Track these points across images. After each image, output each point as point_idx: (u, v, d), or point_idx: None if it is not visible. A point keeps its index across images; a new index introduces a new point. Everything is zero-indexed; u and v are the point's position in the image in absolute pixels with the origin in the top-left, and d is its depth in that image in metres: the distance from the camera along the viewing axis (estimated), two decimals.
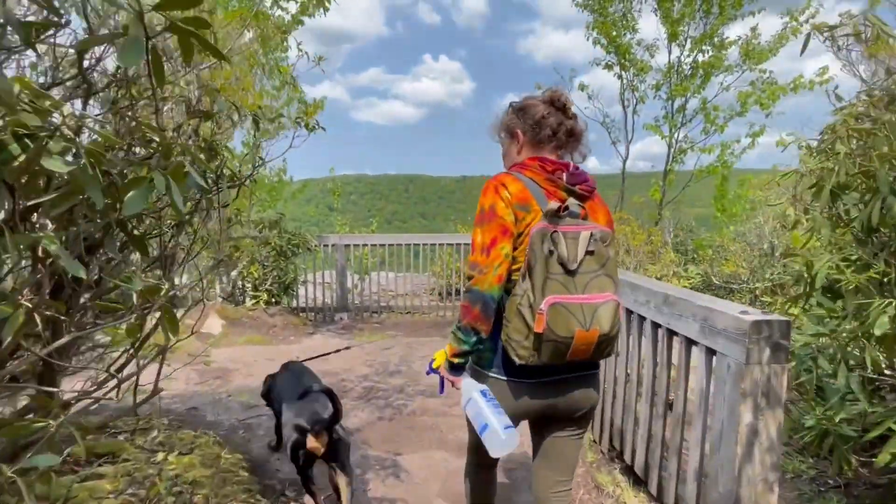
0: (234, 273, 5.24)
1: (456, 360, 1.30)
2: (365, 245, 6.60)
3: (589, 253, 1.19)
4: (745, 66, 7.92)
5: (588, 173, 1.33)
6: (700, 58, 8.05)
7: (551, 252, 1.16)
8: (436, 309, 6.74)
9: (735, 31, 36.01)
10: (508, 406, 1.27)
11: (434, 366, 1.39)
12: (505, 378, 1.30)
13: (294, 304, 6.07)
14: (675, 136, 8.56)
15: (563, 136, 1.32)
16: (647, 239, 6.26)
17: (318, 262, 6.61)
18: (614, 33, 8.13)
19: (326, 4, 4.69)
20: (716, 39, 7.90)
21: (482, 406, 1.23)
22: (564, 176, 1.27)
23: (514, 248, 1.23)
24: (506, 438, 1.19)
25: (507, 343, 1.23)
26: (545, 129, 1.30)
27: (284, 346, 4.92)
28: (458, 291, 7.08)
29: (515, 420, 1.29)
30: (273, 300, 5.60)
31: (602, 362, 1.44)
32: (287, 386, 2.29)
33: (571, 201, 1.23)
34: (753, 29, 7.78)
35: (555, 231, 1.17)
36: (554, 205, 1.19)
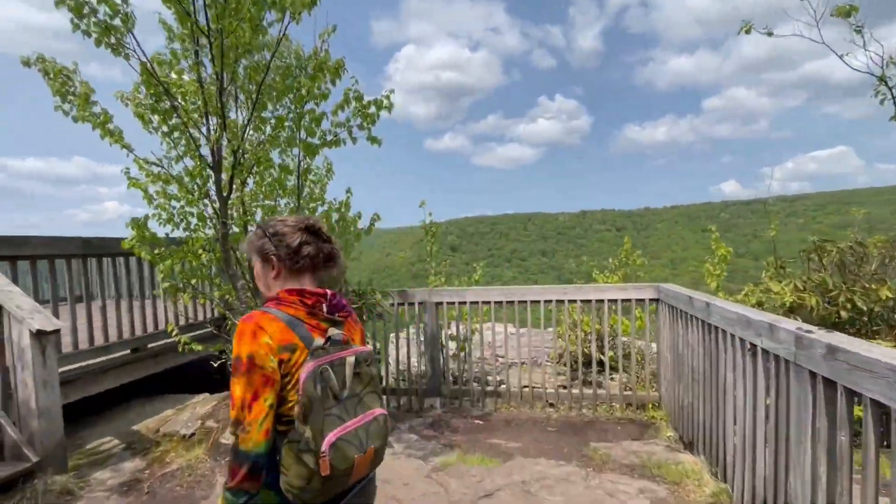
0: None
1: None
2: (463, 303, 4.69)
3: (355, 375, 1.20)
4: None
5: (343, 298, 1.32)
6: None
7: (324, 389, 1.12)
8: (567, 398, 4.46)
9: None
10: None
11: None
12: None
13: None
14: None
15: (322, 263, 1.28)
16: None
17: (400, 325, 4.88)
18: None
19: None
20: None
21: None
22: (324, 307, 1.22)
23: (282, 389, 1.13)
24: None
25: (289, 492, 1.11)
26: (303, 258, 1.24)
27: None
28: (598, 363, 4.75)
29: None
30: None
31: None
32: None
33: (333, 330, 1.20)
34: None
35: (324, 368, 1.13)
36: (319, 342, 1.16)
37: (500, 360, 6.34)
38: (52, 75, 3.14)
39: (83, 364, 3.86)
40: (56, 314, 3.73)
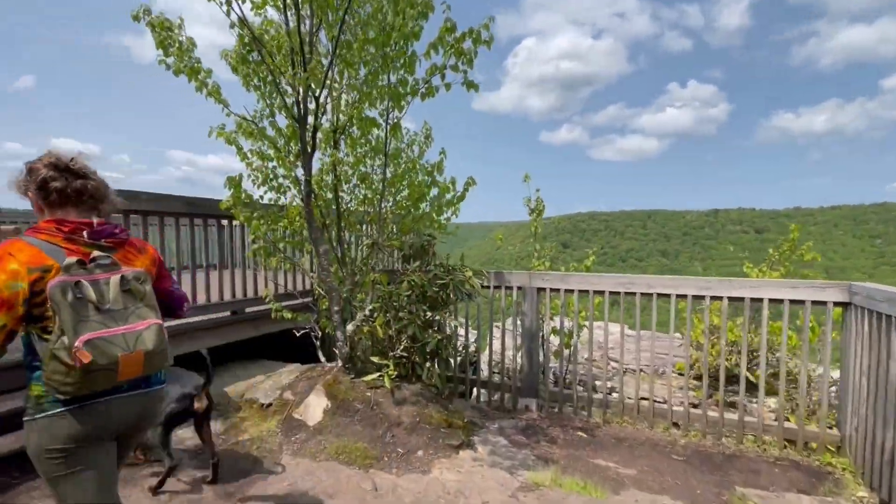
0: (350, 326, 3.41)
1: None
2: (570, 291, 3.97)
3: (126, 291, 1.38)
4: None
5: (118, 227, 1.48)
6: None
7: (79, 298, 1.30)
8: (701, 421, 3.52)
9: None
10: (72, 433, 1.36)
11: None
12: (56, 412, 1.35)
13: (439, 381, 3.82)
14: None
15: (75, 196, 1.41)
16: None
17: (494, 313, 4.32)
18: None
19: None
20: None
21: None
22: (85, 233, 1.39)
23: (42, 304, 1.32)
24: None
25: (50, 383, 1.31)
26: (51, 192, 1.39)
27: (396, 480, 2.70)
28: (733, 379, 3.69)
29: (86, 441, 1.39)
30: (409, 373, 3.52)
31: None
32: None
33: (97, 253, 1.38)
34: None
35: (78, 281, 1.30)
36: (71, 260, 1.32)
37: (613, 364, 5.46)
38: (157, 28, 3.14)
39: (186, 321, 3.97)
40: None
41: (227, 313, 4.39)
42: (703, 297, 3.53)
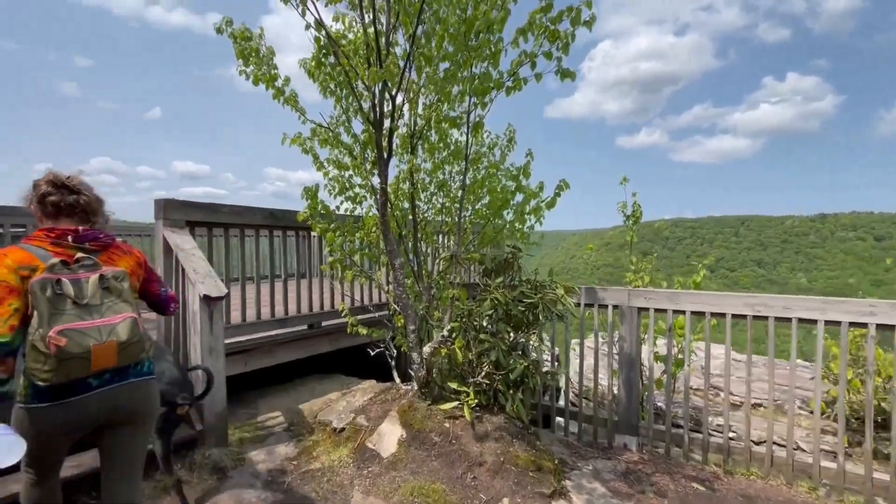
0: (426, 348, 3.10)
1: None
2: (680, 312, 3.38)
3: (105, 289, 1.54)
4: None
5: (102, 232, 1.67)
6: None
7: (59, 294, 1.45)
8: (858, 482, 2.77)
9: None
10: (43, 426, 1.49)
11: None
12: (35, 405, 1.48)
13: (525, 414, 3.39)
14: None
15: (67, 210, 1.61)
16: None
17: (584, 334, 3.82)
18: None
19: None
20: None
21: None
22: (70, 238, 1.57)
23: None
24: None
25: (30, 373, 1.44)
26: (48, 205, 1.60)
27: None
28: (882, 423, 2.87)
29: (56, 439, 1.55)
30: (490, 402, 3.14)
31: None
32: None
33: (81, 255, 1.56)
34: None
35: (58, 279, 1.47)
36: (55, 260, 1.50)
37: (716, 392, 4.69)
38: (238, 39, 3.10)
39: (264, 334, 3.92)
40: (243, 284, 3.85)
41: (304, 326, 4.31)
42: (864, 325, 2.80)
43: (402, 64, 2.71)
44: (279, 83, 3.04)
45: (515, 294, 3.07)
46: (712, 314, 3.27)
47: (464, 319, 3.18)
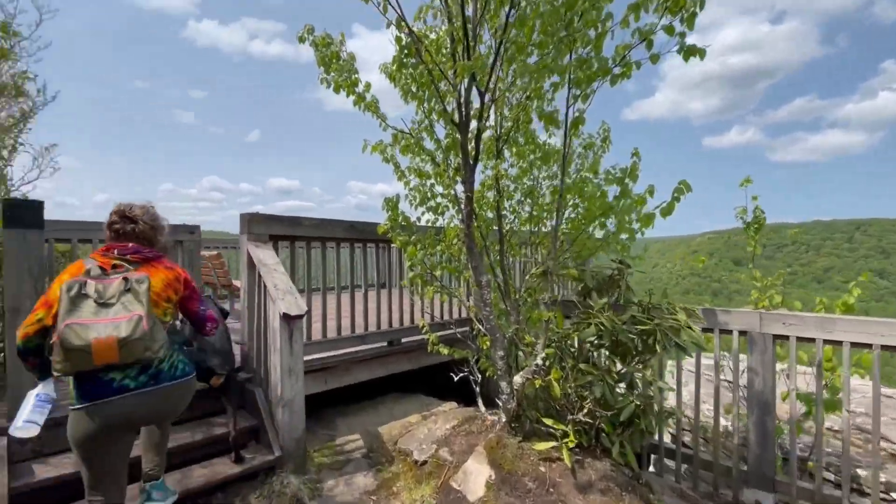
0: (517, 378, 2.72)
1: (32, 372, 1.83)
2: (834, 342, 2.71)
3: (127, 290, 1.71)
4: None
5: (149, 250, 1.93)
6: None
7: (81, 294, 1.66)
8: None
9: None
10: (88, 428, 1.68)
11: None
12: (77, 407, 1.69)
13: (635, 460, 2.87)
14: None
15: (124, 234, 1.91)
16: None
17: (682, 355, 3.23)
18: None
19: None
20: None
21: (26, 402, 1.78)
22: (115, 251, 1.85)
23: None
24: (18, 429, 1.73)
25: (53, 366, 1.64)
26: (112, 231, 1.92)
27: None
28: None
29: (99, 436, 1.70)
30: (592, 443, 2.69)
31: None
32: None
33: (118, 263, 1.82)
34: None
35: (85, 281, 1.69)
36: (93, 266, 1.77)
37: (862, 437, 3.82)
38: (319, 46, 2.99)
39: (344, 351, 3.79)
40: (324, 298, 3.75)
41: (384, 343, 4.13)
42: None
43: (491, 58, 2.42)
44: (360, 88, 2.88)
45: (625, 318, 2.62)
46: (884, 346, 2.58)
47: (559, 344, 2.78)
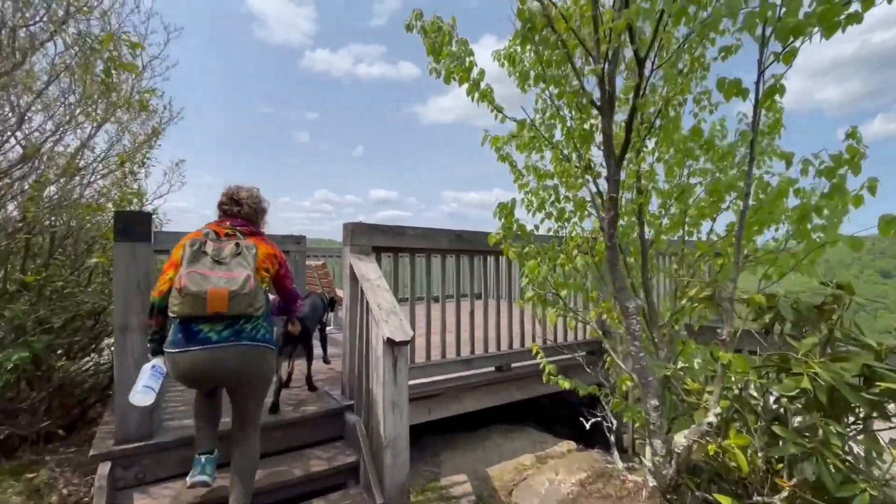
0: (680, 439, 2.02)
1: (149, 346, 2.02)
2: None
3: (238, 254, 1.95)
4: None
5: (253, 225, 2.19)
6: None
7: (201, 250, 1.92)
8: None
9: None
10: (175, 371, 1.91)
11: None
12: (169, 351, 1.90)
13: None
14: None
15: (231, 212, 2.16)
16: None
17: None
18: None
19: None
20: None
21: (143, 372, 1.95)
22: (228, 223, 2.12)
23: None
24: (138, 393, 1.89)
25: (170, 308, 1.87)
26: (221, 210, 2.18)
27: None
28: None
29: (190, 381, 1.95)
30: None
31: None
32: None
33: (229, 230, 2.08)
34: None
35: (205, 241, 1.96)
36: (209, 230, 2.04)
37: None
38: (429, 33, 2.64)
39: (449, 376, 3.37)
40: (428, 317, 3.38)
41: (491, 368, 3.65)
42: None
43: (660, 4, 1.83)
44: (474, 74, 2.45)
45: (848, 367, 1.82)
46: None
47: (738, 395, 2.05)
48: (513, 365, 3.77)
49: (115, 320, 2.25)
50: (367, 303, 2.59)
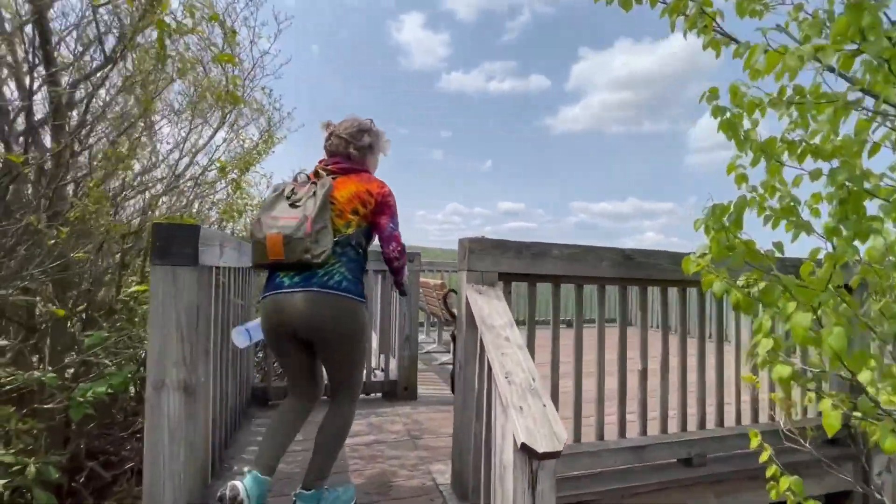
0: None
1: None
2: None
3: (313, 195, 1.81)
4: None
5: (348, 163, 2.01)
6: None
7: (278, 194, 1.85)
8: None
9: None
10: (263, 323, 1.85)
11: None
12: (261, 296, 1.85)
13: None
14: None
15: (331, 147, 2.05)
16: None
17: None
18: None
19: None
20: None
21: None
22: (322, 163, 2.02)
23: None
24: (242, 330, 2.05)
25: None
26: (325, 147, 2.07)
27: None
28: None
29: (272, 336, 1.85)
30: None
31: None
32: None
33: (320, 172, 1.98)
34: None
35: (285, 184, 1.90)
36: (299, 174, 1.98)
37: None
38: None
39: (609, 469, 2.24)
40: (578, 376, 2.28)
41: (673, 460, 2.40)
42: None
43: None
44: None
45: None
46: None
47: None
48: (709, 455, 2.45)
49: (148, 373, 1.63)
50: (490, 368, 1.63)
